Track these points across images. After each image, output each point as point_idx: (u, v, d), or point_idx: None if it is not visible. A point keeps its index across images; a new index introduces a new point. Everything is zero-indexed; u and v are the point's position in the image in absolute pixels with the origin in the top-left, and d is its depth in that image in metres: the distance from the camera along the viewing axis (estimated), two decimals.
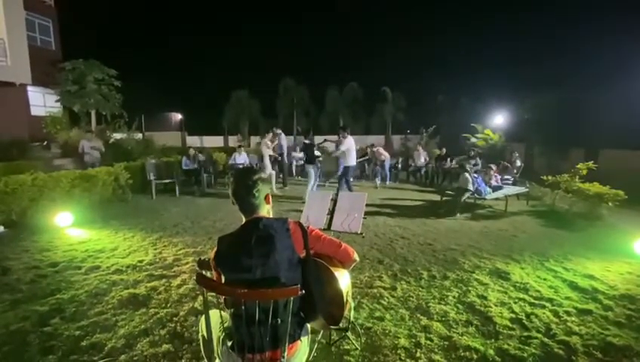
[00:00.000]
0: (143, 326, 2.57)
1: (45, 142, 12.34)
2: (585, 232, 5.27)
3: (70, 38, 16.24)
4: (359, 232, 2.66)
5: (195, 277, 3.33)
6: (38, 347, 2.34)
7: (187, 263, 3.82)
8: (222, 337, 1.49)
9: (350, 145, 7.13)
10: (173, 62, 44.93)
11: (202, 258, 1.83)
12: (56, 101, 13.93)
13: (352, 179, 7.64)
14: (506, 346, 2.33)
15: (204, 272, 1.60)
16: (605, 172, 7.64)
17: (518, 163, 9.11)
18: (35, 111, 14.19)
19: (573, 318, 2.72)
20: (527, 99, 13.98)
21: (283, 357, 1.36)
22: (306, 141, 8.13)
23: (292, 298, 1.33)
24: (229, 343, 1.44)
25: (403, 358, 2.21)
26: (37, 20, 14.49)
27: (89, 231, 5.11)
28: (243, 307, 1.34)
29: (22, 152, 10.11)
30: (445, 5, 46.04)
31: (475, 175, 6.74)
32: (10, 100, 12.79)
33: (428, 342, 2.39)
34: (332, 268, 1.54)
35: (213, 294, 1.41)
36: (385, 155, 10.15)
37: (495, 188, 7.09)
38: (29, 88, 13.77)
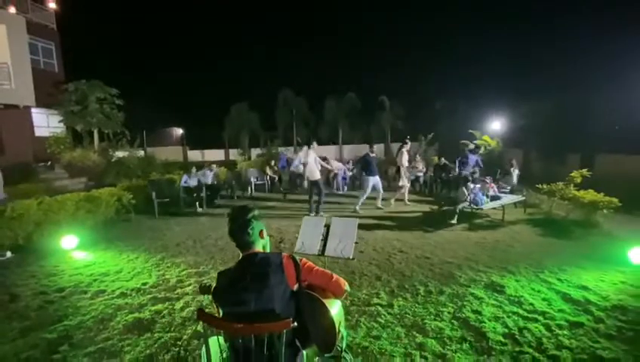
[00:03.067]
0: (148, 351, 2.66)
1: (49, 162, 12.56)
2: (580, 241, 5.34)
3: (72, 59, 16.63)
4: (351, 257, 2.77)
5: (197, 294, 3.46)
6: None
7: (190, 284, 3.92)
8: None
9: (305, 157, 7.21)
10: (173, 77, 45.53)
11: (204, 283, 1.95)
12: (60, 121, 14.22)
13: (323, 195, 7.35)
14: None
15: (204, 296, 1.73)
16: (601, 177, 7.73)
17: (517, 172, 9.18)
18: (39, 132, 14.44)
19: (564, 331, 2.80)
20: (522, 105, 14.14)
21: None
22: (372, 153, 7.92)
23: (285, 330, 1.44)
24: None
25: None
26: (40, 44, 14.85)
27: (94, 253, 5.22)
28: (240, 340, 1.45)
29: (27, 175, 10.29)
30: (442, 14, 46.66)
31: (472, 185, 6.84)
32: (14, 122, 13.03)
33: (423, 360, 2.47)
34: (324, 300, 1.65)
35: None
36: (339, 166, 10.71)
37: (493, 198, 7.19)
38: (33, 110, 14.03)
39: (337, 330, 1.65)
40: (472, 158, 8.76)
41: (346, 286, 1.75)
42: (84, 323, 3.13)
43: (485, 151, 14.43)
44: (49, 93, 13.97)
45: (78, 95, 13.77)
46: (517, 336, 2.74)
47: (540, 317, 3.02)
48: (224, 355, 1.60)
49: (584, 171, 6.46)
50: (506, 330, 2.83)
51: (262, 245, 1.68)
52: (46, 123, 15.04)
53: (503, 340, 2.69)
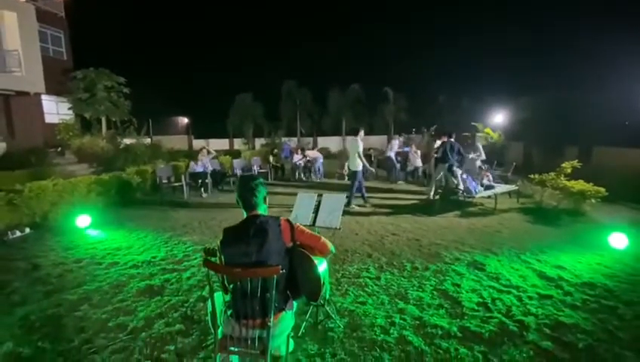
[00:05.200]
0: (158, 311, 3.00)
1: (59, 148, 12.96)
2: (567, 228, 5.58)
3: (80, 47, 16.91)
4: (338, 227, 3.08)
5: (202, 269, 3.79)
6: (72, 328, 2.78)
7: (196, 259, 4.26)
8: (224, 309, 1.91)
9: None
10: (179, 67, 45.78)
11: (207, 247, 2.26)
12: (69, 109, 14.60)
13: (356, 185, 7.04)
14: (468, 324, 2.72)
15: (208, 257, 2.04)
16: (599, 168, 7.91)
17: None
18: (49, 118, 14.85)
19: (533, 302, 3.09)
20: (523, 100, 14.25)
21: (269, 322, 1.77)
22: (451, 140, 7.62)
23: (276, 277, 1.73)
24: (229, 312, 1.86)
25: (378, 333, 2.60)
26: (49, 32, 15.15)
27: (106, 231, 5.58)
28: (239, 283, 1.75)
29: (39, 159, 10.69)
30: (446, 8, 46.17)
31: (465, 176, 7.09)
32: (25, 109, 13.42)
33: (401, 321, 2.78)
34: (312, 257, 1.95)
35: (217, 281, 1.83)
36: (315, 155, 12.07)
37: (487, 187, 7.43)
38: (43, 97, 14.40)
39: (322, 283, 1.96)
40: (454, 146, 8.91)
41: (331, 247, 2.05)
42: (101, 287, 3.49)
43: (487, 143, 14.64)
44: (58, 81, 14.33)
45: (87, 83, 14.10)
46: (489, 305, 3.04)
47: (514, 290, 3.31)
48: (226, 298, 1.91)
49: (574, 162, 6.66)
50: (481, 300, 3.13)
51: (264, 209, 1.97)
52: (56, 110, 15.46)
53: (476, 307, 2.99)
